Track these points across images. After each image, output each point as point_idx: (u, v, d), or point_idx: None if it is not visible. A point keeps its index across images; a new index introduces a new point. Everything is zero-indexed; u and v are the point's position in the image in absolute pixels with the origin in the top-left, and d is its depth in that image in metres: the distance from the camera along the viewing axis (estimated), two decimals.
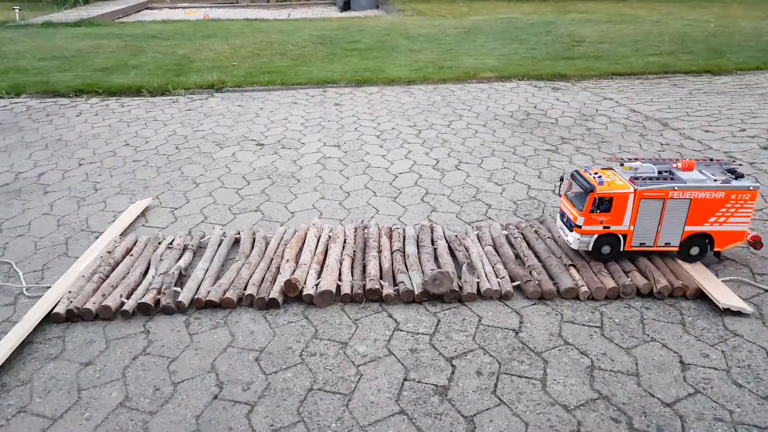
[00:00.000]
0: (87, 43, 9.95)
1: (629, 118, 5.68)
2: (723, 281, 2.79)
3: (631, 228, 2.80)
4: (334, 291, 2.74)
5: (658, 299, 2.74)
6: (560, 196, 3.04)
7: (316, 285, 2.77)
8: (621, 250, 2.85)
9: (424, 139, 5.11)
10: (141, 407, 2.15)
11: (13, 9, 13.12)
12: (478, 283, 2.78)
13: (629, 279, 2.78)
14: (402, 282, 2.77)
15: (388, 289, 2.74)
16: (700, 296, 2.74)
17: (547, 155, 4.68)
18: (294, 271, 2.87)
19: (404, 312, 2.68)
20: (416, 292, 2.72)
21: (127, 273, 2.92)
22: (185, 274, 2.95)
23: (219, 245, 3.18)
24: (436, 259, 3.00)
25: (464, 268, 2.86)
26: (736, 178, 2.83)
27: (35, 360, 2.40)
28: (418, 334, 2.53)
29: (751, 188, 2.77)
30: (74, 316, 2.63)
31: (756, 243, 2.93)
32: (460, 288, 2.74)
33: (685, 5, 15.21)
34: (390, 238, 3.19)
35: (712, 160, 3.07)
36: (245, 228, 3.39)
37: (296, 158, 4.70)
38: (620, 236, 2.82)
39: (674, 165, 2.91)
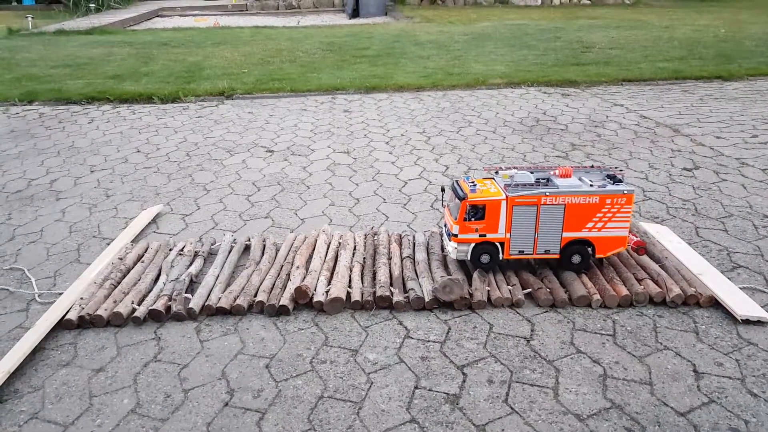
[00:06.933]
0: (99, 51, 10.05)
1: (640, 124, 5.66)
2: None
3: (508, 236, 2.77)
4: (344, 298, 2.73)
5: (671, 307, 2.71)
6: (444, 207, 3.01)
7: (327, 292, 2.77)
8: (500, 258, 2.83)
9: (433, 146, 5.11)
10: (152, 414, 2.15)
11: (26, 17, 13.28)
12: (488, 290, 2.77)
13: (642, 287, 2.76)
14: (412, 289, 2.77)
15: (398, 296, 2.74)
16: (714, 304, 2.71)
17: (558, 162, 4.66)
18: (304, 277, 2.88)
19: (415, 319, 2.67)
20: (426, 300, 2.71)
21: (139, 279, 2.94)
22: (196, 281, 2.96)
23: (229, 252, 3.19)
24: (446, 266, 2.99)
25: (475, 275, 2.85)
26: (614, 184, 2.79)
27: (47, 366, 2.41)
28: (428, 341, 2.52)
29: (626, 192, 2.74)
30: (86, 323, 2.64)
31: (639, 249, 2.89)
32: (471, 295, 2.73)
33: (695, 11, 15.15)
34: (400, 244, 3.18)
35: (593, 166, 3.02)
36: (255, 234, 3.40)
37: (306, 165, 4.71)
38: (498, 244, 2.80)
39: (552, 172, 2.88)
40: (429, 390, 2.24)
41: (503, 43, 10.30)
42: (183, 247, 3.22)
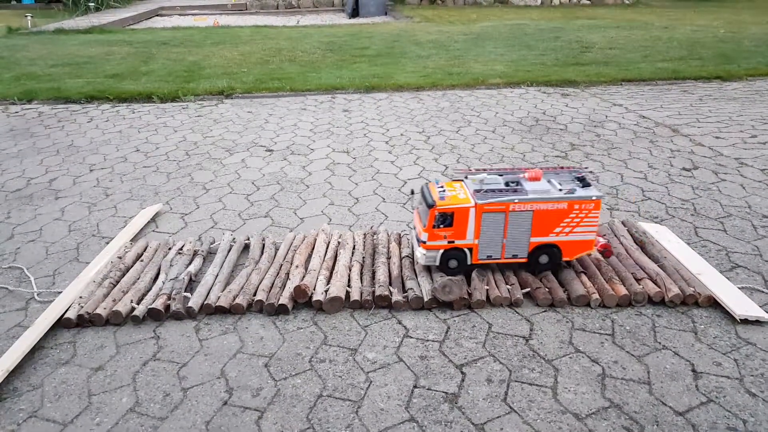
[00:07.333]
0: (98, 50, 10.04)
1: (639, 124, 5.66)
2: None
3: (476, 241, 2.77)
4: (343, 297, 2.74)
5: (669, 307, 2.72)
6: (413, 210, 3.00)
7: (326, 291, 2.77)
8: (468, 263, 2.82)
9: (432, 146, 5.11)
10: (151, 413, 2.15)
11: (26, 16, 13.27)
12: (487, 289, 2.77)
13: (641, 287, 2.76)
14: (411, 289, 2.77)
15: (397, 296, 2.74)
16: (713, 304, 2.72)
17: (557, 162, 4.67)
18: (303, 277, 2.88)
19: (414, 318, 2.67)
20: (425, 299, 2.71)
21: (138, 278, 2.94)
22: (195, 280, 2.96)
23: (229, 251, 3.19)
24: None
25: (474, 274, 2.85)
26: (583, 187, 2.79)
27: (46, 365, 2.41)
28: (427, 340, 2.52)
29: (594, 198, 2.73)
30: (85, 322, 2.64)
31: (605, 251, 2.88)
32: (470, 295, 2.73)
33: (694, 11, 15.15)
34: (399, 244, 3.19)
35: (562, 168, 3.01)
36: (255, 234, 3.40)
37: (305, 164, 4.71)
38: (466, 250, 2.79)
39: (522, 175, 2.87)
40: (428, 389, 2.24)
41: (503, 43, 10.30)
42: (182, 246, 3.23)
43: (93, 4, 16.14)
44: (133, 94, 6.94)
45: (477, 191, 2.75)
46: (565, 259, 2.86)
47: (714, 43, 10.02)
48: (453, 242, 2.76)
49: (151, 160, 4.87)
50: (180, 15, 16.33)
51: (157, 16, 16.34)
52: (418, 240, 2.83)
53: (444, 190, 2.78)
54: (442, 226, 2.73)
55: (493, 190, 2.75)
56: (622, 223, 3.41)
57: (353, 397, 2.21)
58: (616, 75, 7.65)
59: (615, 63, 8.46)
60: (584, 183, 2.82)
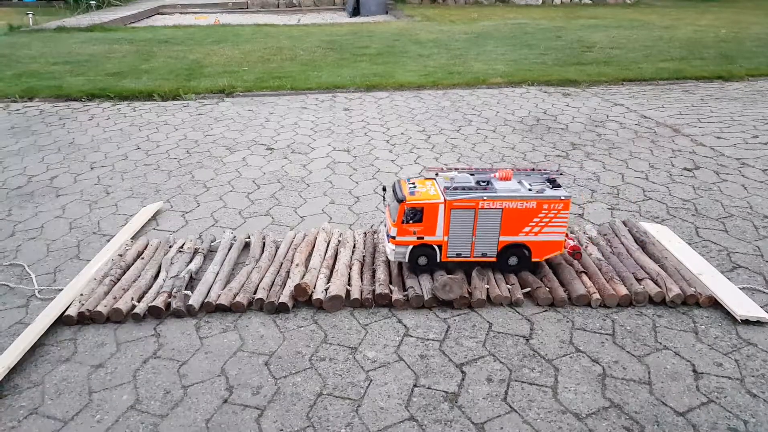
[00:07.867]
0: (99, 48, 10.04)
1: (640, 124, 5.66)
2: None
3: (445, 238, 2.77)
4: (343, 296, 2.74)
5: (670, 307, 2.72)
6: (385, 207, 3.00)
7: (326, 290, 2.77)
8: (438, 260, 2.82)
9: (433, 145, 5.11)
10: (151, 410, 2.15)
11: (27, 14, 13.26)
12: (488, 289, 2.77)
13: (641, 287, 2.76)
14: (411, 287, 2.77)
15: (397, 295, 2.74)
16: (714, 304, 2.71)
17: (558, 161, 4.67)
18: (303, 275, 2.88)
19: (414, 317, 2.67)
20: (426, 298, 2.71)
21: (138, 276, 2.94)
22: (196, 278, 2.96)
23: (229, 249, 3.19)
24: None
25: (474, 273, 2.85)
26: (553, 188, 2.78)
27: (47, 362, 2.41)
28: (428, 339, 2.52)
29: (562, 198, 2.72)
30: (86, 319, 2.64)
31: (575, 253, 2.88)
32: (470, 294, 2.73)
33: (696, 11, 15.14)
34: None
35: (533, 169, 3.01)
36: (255, 232, 3.40)
37: (306, 163, 4.71)
38: (436, 247, 2.79)
39: (493, 175, 2.87)
40: (428, 388, 2.24)
41: (504, 42, 10.29)
42: (183, 244, 3.23)
43: (94, 2, 16.13)
44: (134, 92, 6.93)
45: (447, 188, 2.76)
46: (534, 259, 2.86)
47: (715, 43, 10.01)
48: (422, 238, 2.77)
49: (151, 158, 4.87)
50: (181, 13, 16.31)
51: (158, 14, 16.32)
52: (388, 236, 2.84)
53: (415, 187, 2.79)
54: (411, 221, 2.74)
55: (463, 188, 2.76)
56: (623, 222, 3.41)
57: (353, 396, 2.21)
58: (618, 75, 7.64)
59: (616, 63, 8.45)
60: (554, 184, 2.82)
